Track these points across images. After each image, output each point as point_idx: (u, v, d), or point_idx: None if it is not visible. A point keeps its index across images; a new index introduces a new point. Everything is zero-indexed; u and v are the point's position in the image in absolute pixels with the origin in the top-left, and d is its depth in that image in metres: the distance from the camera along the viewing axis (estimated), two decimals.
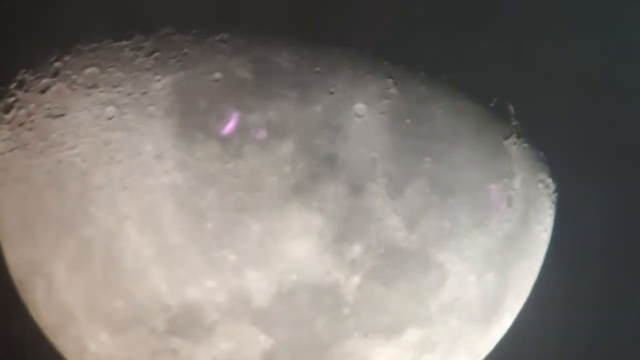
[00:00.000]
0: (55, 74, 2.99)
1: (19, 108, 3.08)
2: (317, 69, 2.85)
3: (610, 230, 4.10)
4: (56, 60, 2.99)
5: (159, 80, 2.87)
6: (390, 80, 2.89)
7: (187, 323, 2.98)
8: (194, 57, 2.85)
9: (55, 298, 3.17)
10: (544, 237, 3.45)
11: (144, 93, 2.87)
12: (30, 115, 3.04)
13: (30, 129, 3.04)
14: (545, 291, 3.58)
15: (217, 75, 2.84)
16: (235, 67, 2.83)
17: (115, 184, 2.91)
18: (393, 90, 2.90)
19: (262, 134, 2.78)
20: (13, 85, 3.10)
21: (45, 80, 3.01)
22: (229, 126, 2.78)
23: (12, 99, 3.10)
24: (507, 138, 3.12)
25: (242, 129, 2.83)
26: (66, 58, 2.97)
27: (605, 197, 4.00)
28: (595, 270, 4.10)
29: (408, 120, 2.91)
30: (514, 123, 3.14)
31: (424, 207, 2.95)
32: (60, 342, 3.38)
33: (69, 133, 2.96)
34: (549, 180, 3.34)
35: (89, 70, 2.93)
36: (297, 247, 2.88)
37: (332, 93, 2.85)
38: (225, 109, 2.82)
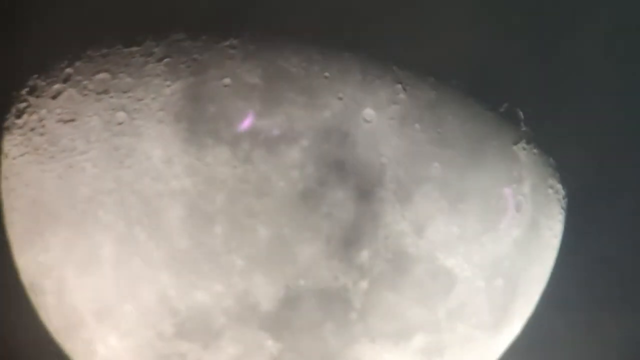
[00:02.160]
0: (67, 79, 3.01)
1: (31, 113, 3.10)
2: (326, 74, 2.85)
3: (621, 236, 4.07)
4: (67, 66, 3.01)
5: (168, 86, 2.88)
6: (399, 86, 2.89)
7: (195, 327, 2.99)
8: (204, 63, 2.86)
9: (65, 301, 3.19)
10: (553, 243, 3.43)
11: (154, 98, 2.89)
12: (41, 120, 3.07)
13: (41, 134, 3.07)
14: (554, 297, 3.56)
15: (227, 80, 2.86)
16: (244, 73, 2.85)
17: (125, 188, 2.92)
18: (402, 96, 2.90)
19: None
20: (25, 91, 3.13)
21: (56, 86, 3.03)
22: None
23: (24, 104, 3.13)
24: (516, 143, 3.11)
25: (252, 133, 2.84)
26: (77, 64, 2.99)
27: (616, 203, 3.98)
28: (605, 276, 4.08)
29: (417, 126, 2.91)
30: (524, 128, 3.13)
31: (433, 212, 2.95)
32: (70, 346, 3.40)
33: (80, 138, 2.98)
34: (559, 186, 3.33)
35: (100, 75, 2.95)
36: (305, 251, 2.88)
37: (340, 98, 2.86)
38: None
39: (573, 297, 3.99)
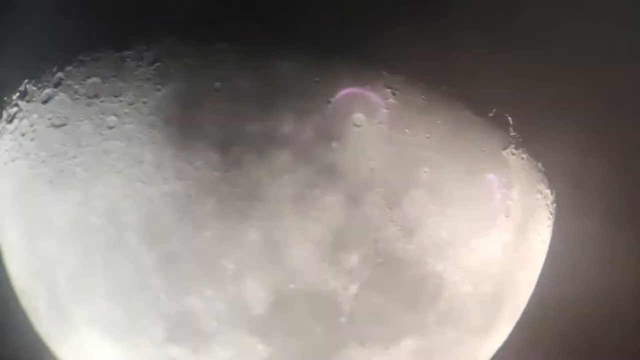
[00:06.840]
0: (58, 84, 3.02)
1: (22, 118, 3.11)
2: (317, 78, 2.87)
3: (609, 240, 4.09)
4: (58, 71, 3.02)
5: (159, 90, 2.89)
6: (389, 91, 2.91)
7: (186, 332, 2.99)
8: (195, 67, 2.88)
9: (57, 307, 3.19)
10: (542, 248, 3.45)
11: (144, 103, 2.90)
12: (32, 125, 3.07)
13: (32, 139, 3.07)
14: (543, 302, 3.57)
15: (218, 84, 2.87)
16: (235, 77, 2.86)
17: (116, 193, 2.93)
18: (392, 100, 2.91)
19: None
20: (16, 96, 3.13)
21: (47, 91, 3.04)
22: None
23: (15, 109, 3.14)
24: (505, 148, 3.13)
25: (245, 137, 2.85)
26: (68, 68, 3.00)
27: (604, 208, 4.00)
28: (593, 281, 4.10)
29: (407, 131, 2.93)
30: (513, 133, 3.15)
31: (422, 217, 2.96)
32: (62, 351, 3.39)
33: (71, 143, 2.98)
34: (547, 191, 3.34)
35: (91, 80, 2.96)
36: (295, 255, 2.89)
37: (330, 102, 2.87)
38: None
39: (562, 302, 4.01)
